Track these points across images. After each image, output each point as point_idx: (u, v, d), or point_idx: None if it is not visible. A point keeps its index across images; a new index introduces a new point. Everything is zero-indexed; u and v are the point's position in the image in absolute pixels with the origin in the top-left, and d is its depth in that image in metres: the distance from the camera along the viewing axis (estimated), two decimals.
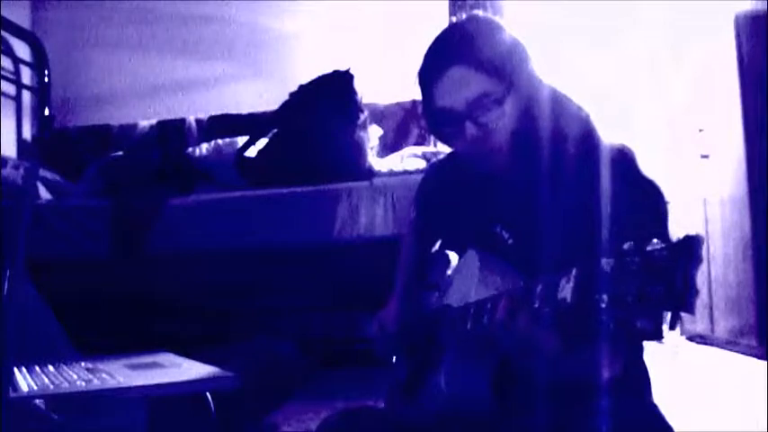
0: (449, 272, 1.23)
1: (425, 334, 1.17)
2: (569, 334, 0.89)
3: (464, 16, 1.16)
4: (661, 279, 0.70)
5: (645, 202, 1.04)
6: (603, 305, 0.74)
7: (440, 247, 1.28)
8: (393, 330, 1.29)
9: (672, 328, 0.71)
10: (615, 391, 0.97)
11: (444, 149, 2.85)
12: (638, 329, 0.72)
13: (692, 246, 0.70)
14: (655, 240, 0.71)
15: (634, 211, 1.01)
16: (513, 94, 1.08)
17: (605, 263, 0.75)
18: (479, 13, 1.16)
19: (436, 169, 1.39)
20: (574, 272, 0.81)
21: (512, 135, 1.09)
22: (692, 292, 0.69)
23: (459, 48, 1.10)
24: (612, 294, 0.73)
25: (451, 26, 1.17)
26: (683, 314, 0.71)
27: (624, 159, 1.09)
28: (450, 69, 1.08)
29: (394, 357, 1.31)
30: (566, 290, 0.81)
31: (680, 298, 0.69)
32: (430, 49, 1.14)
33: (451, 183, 1.26)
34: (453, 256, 1.24)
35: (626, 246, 0.73)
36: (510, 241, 1.14)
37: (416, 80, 1.15)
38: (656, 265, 0.71)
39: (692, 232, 0.71)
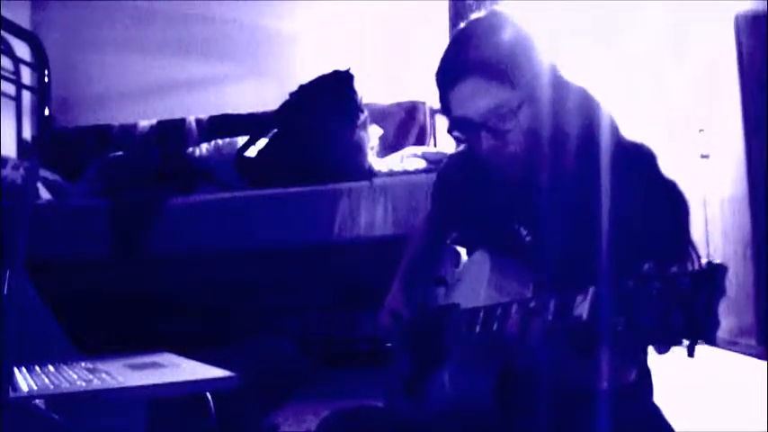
0: (458, 268, 1.22)
1: (429, 330, 1.16)
2: (582, 348, 0.88)
3: (484, 12, 1.13)
4: (682, 308, 0.68)
5: (664, 204, 1.03)
6: (620, 328, 0.72)
7: (451, 241, 1.27)
8: (408, 316, 1.27)
9: (690, 355, 0.70)
10: (617, 394, 0.96)
11: (445, 150, 2.86)
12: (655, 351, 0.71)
13: (715, 276, 0.68)
14: (674, 268, 0.70)
15: (653, 214, 0.99)
16: (529, 100, 1.05)
17: (624, 284, 0.73)
18: (497, 8, 1.12)
19: (457, 160, 1.35)
20: (591, 290, 0.80)
21: (529, 135, 1.06)
22: (714, 324, 0.67)
23: (475, 56, 1.06)
24: (630, 318, 0.72)
25: (469, 26, 1.12)
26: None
27: (643, 159, 1.08)
28: (465, 80, 1.06)
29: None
30: (581, 307, 0.80)
31: (700, 329, 0.67)
32: (447, 50, 1.11)
33: (470, 176, 1.23)
34: (463, 252, 1.23)
35: (646, 266, 0.72)
36: (528, 238, 1.13)
37: (435, 80, 1.12)
38: (677, 294, 0.69)
39: (716, 261, 0.69)
